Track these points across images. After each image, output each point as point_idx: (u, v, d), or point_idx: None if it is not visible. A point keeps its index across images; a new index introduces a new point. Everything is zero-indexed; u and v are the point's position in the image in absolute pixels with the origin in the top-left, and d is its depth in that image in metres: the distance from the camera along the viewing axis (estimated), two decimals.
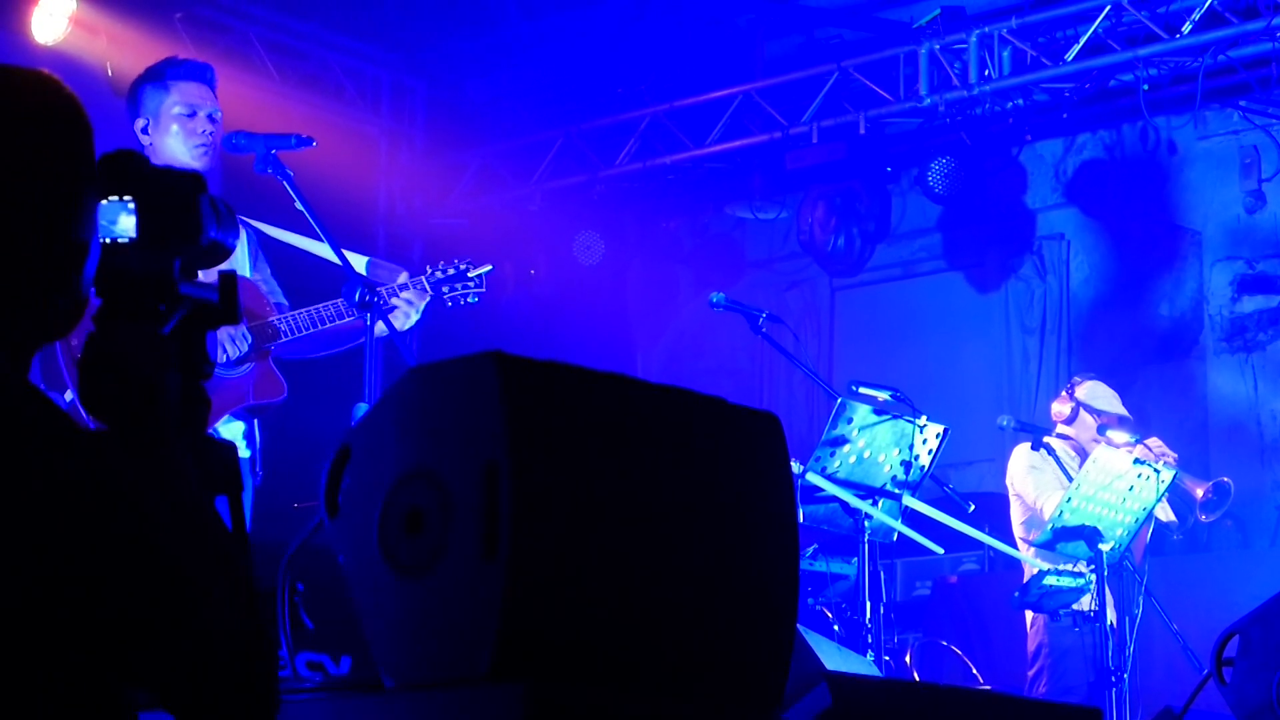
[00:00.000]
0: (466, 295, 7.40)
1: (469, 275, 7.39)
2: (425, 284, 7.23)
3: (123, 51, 9.75)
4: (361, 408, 6.61)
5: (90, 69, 9.75)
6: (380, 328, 6.94)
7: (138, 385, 2.59)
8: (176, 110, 6.75)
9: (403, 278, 7.19)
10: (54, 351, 6.12)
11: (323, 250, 7.14)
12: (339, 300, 6.96)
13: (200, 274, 2.75)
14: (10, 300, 2.54)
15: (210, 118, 6.81)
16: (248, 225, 6.98)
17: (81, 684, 2.39)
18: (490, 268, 7.55)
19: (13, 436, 2.39)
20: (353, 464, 3.52)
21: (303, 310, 7.01)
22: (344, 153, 11.54)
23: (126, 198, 2.64)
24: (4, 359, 2.51)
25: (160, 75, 6.83)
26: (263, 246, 7.09)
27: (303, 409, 7.22)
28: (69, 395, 5.88)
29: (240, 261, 6.86)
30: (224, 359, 6.68)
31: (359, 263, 7.05)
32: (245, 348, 6.77)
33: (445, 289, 7.31)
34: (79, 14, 9.99)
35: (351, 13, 12.05)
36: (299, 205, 6.88)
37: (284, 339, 6.93)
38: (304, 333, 6.96)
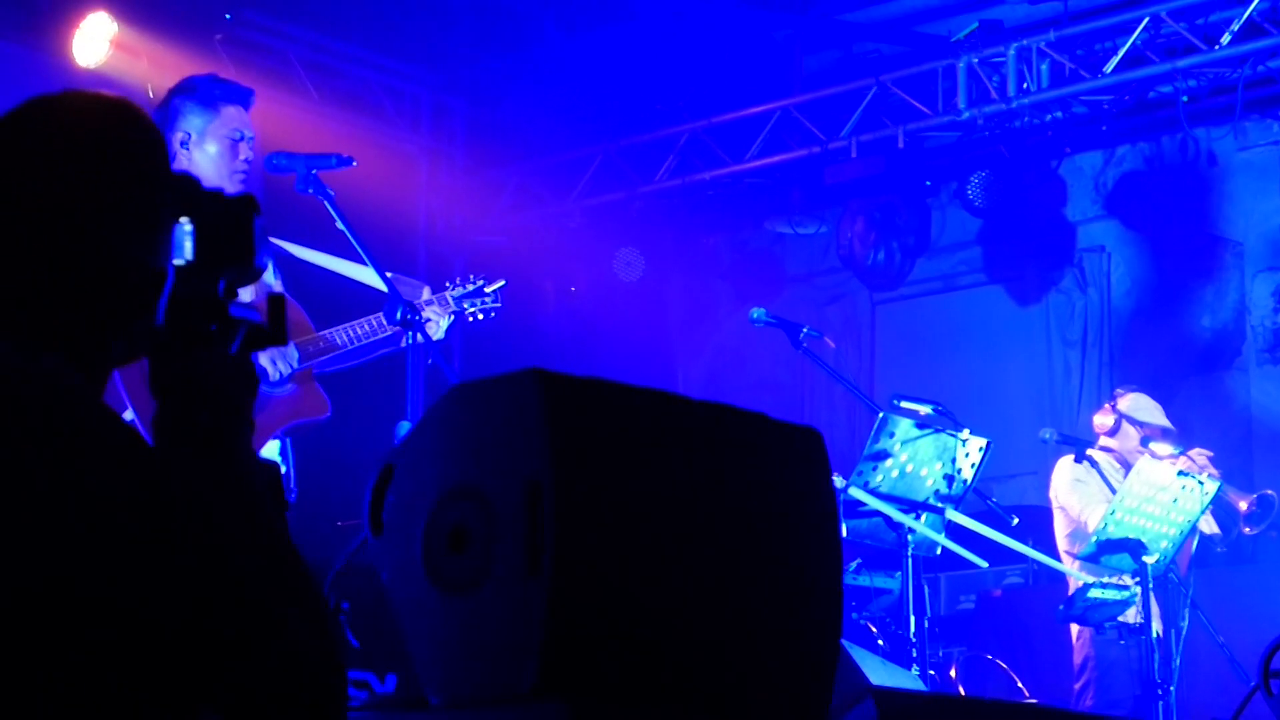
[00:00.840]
0: (486, 311, 7.53)
1: (485, 290, 7.53)
2: (449, 299, 7.35)
3: (163, 73, 9.76)
4: (404, 426, 6.64)
5: (131, 91, 9.80)
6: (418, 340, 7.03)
7: (227, 411, 2.60)
8: (223, 133, 6.76)
9: (425, 294, 7.27)
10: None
11: (348, 269, 7.19)
12: (379, 315, 7.01)
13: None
14: (96, 324, 2.56)
15: (250, 144, 6.84)
16: (270, 243, 7.02)
17: (164, 707, 2.40)
18: (504, 283, 7.67)
19: (100, 458, 2.40)
20: (396, 482, 3.53)
21: (344, 326, 7.05)
22: (384, 172, 11.57)
23: (184, 220, 2.65)
24: (84, 380, 2.53)
25: (208, 95, 6.84)
26: (279, 264, 7.12)
27: (345, 427, 7.24)
28: (129, 414, 5.90)
29: (269, 281, 6.90)
30: (276, 377, 6.72)
31: (375, 279, 7.08)
32: (295, 364, 6.81)
33: (466, 304, 7.45)
34: (120, 37, 10.04)
35: (391, 32, 12.08)
36: (340, 225, 6.91)
37: (329, 354, 6.97)
38: (348, 347, 7.00)
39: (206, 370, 2.60)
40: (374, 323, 7.05)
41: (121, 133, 2.62)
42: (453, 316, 7.38)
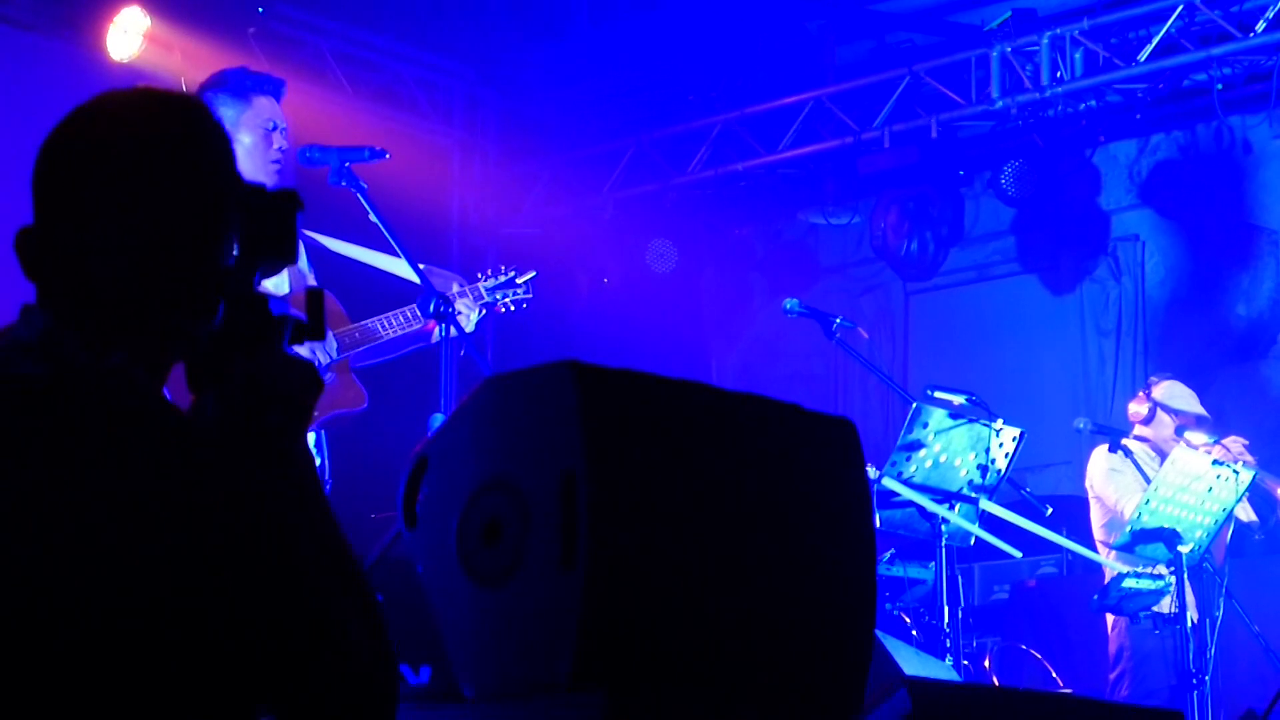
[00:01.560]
0: (518, 301, 7.55)
1: (517, 281, 7.55)
2: (481, 290, 7.37)
3: (197, 66, 9.79)
4: (438, 418, 6.66)
5: (165, 85, 9.81)
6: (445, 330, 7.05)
7: (294, 412, 2.61)
8: (256, 124, 6.78)
9: (456, 286, 7.28)
10: None
11: (380, 260, 7.21)
12: (412, 306, 7.04)
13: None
14: (162, 322, 2.56)
15: (284, 134, 6.86)
16: (303, 236, 7.03)
17: (224, 704, 2.41)
18: (534, 274, 7.68)
19: (165, 458, 2.41)
20: (430, 474, 3.53)
21: (380, 317, 7.07)
22: (417, 164, 11.58)
23: None
24: (147, 378, 2.54)
25: (239, 87, 6.86)
26: (312, 257, 7.14)
27: (379, 419, 7.26)
28: None
29: (305, 272, 6.92)
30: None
31: (408, 271, 7.10)
32: (334, 355, 6.83)
33: (498, 295, 7.47)
34: (153, 30, 10.06)
35: (423, 25, 12.09)
36: (373, 217, 6.92)
37: (367, 345, 7.00)
38: (384, 337, 7.03)
39: (273, 371, 2.60)
40: (408, 314, 7.08)
41: (193, 131, 2.62)
42: (484, 309, 7.40)
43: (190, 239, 2.57)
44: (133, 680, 2.34)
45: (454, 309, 7.00)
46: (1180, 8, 10.84)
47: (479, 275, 7.55)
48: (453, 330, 6.98)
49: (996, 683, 9.61)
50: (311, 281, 7.01)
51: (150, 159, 2.56)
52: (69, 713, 2.32)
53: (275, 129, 6.79)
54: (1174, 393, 10.03)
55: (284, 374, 2.61)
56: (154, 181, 2.55)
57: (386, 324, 7.08)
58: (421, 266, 7.08)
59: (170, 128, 2.60)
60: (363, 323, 7.06)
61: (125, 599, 2.34)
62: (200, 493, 2.41)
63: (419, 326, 7.10)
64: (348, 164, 6.97)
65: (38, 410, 2.42)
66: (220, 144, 2.63)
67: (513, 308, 7.60)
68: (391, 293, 7.26)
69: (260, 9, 10.98)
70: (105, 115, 2.61)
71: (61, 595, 2.33)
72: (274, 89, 6.93)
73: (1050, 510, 9.35)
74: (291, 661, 2.42)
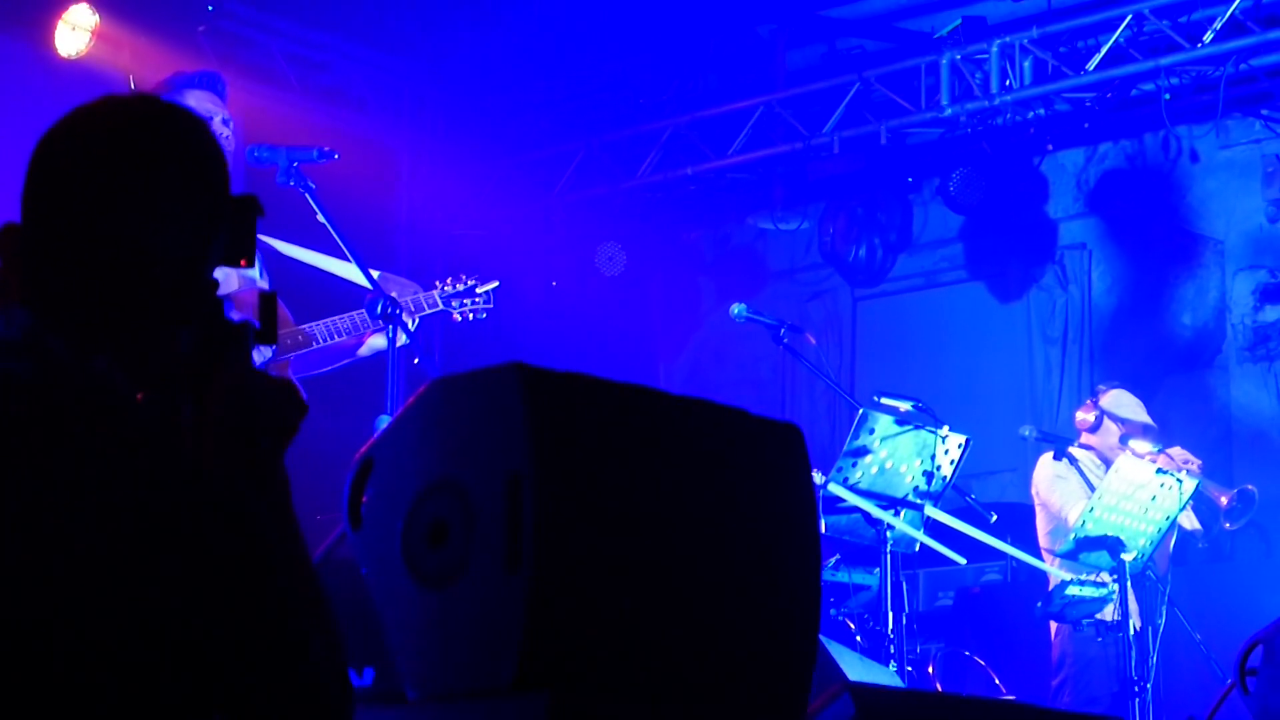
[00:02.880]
0: (476, 311, 7.53)
1: (477, 291, 7.53)
2: (437, 298, 7.35)
3: (145, 64, 9.76)
4: (384, 419, 6.64)
5: (113, 82, 9.77)
6: (381, 341, 7.03)
7: (281, 435, 2.65)
8: None
9: (409, 295, 7.26)
10: None
11: (332, 265, 7.19)
12: (360, 311, 7.02)
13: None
14: (148, 328, 2.55)
15: (224, 122, 6.83)
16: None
17: (179, 710, 2.40)
18: (498, 284, 7.66)
19: (141, 467, 2.41)
20: (375, 476, 3.52)
21: (324, 321, 7.05)
22: (365, 165, 11.55)
23: None
24: (130, 384, 2.52)
25: (170, 86, 6.86)
26: (264, 260, 7.11)
27: (324, 420, 7.22)
28: None
29: (255, 276, 6.89)
30: None
31: (357, 274, 7.07)
32: (269, 355, 6.80)
33: (455, 303, 7.44)
34: (102, 27, 10.01)
35: (373, 25, 12.07)
36: (321, 218, 6.90)
37: (311, 347, 6.97)
38: (327, 343, 7.01)
39: (260, 391, 2.63)
40: (356, 319, 7.06)
41: (188, 141, 2.62)
42: (436, 311, 7.36)
43: (178, 246, 2.57)
44: (93, 683, 2.33)
45: (400, 312, 6.98)
46: (1129, 18, 10.89)
47: (436, 283, 7.52)
48: (401, 335, 6.96)
49: (940, 689, 9.63)
50: (264, 285, 6.99)
51: (145, 164, 2.56)
52: (26, 714, 2.31)
53: (210, 119, 6.76)
54: (1121, 401, 10.08)
55: (269, 394, 2.62)
56: (146, 187, 2.54)
57: (330, 329, 7.06)
58: (376, 275, 7.06)
59: (166, 136, 2.60)
60: (303, 326, 7.03)
61: (95, 603, 2.33)
62: (178, 503, 2.40)
63: (365, 331, 7.08)
64: (296, 164, 6.94)
65: (20, 407, 2.41)
66: (214, 158, 2.63)
67: (471, 316, 7.56)
68: (339, 296, 7.24)
69: (210, 7, 10.94)
70: (102, 119, 2.61)
71: (31, 596, 2.32)
72: (208, 82, 6.90)
73: (995, 517, 9.39)
74: (252, 673, 2.42)
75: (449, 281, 7.53)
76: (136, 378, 2.55)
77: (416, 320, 7.26)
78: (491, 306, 7.61)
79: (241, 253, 2.66)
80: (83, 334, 2.49)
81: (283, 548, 2.51)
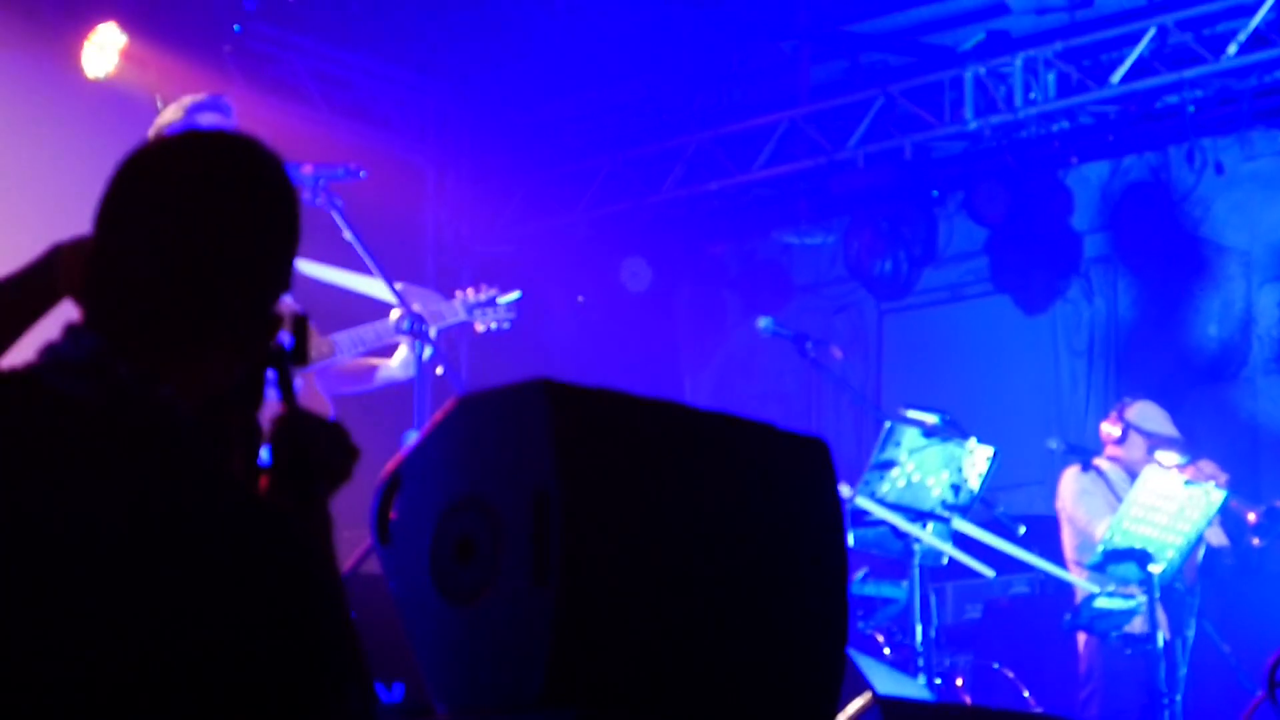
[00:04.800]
0: (499, 321, 7.54)
1: (498, 301, 7.55)
2: (458, 308, 7.36)
3: (172, 84, 9.78)
4: (411, 435, 6.65)
5: (140, 102, 9.80)
6: (406, 359, 7.06)
7: (335, 480, 2.70)
8: None
9: (427, 308, 7.27)
10: None
11: (356, 282, 7.20)
12: (380, 323, 7.05)
13: None
14: (210, 357, 2.56)
15: None
16: None
17: None
18: (519, 294, 7.67)
19: (210, 498, 2.43)
20: (403, 492, 3.54)
21: (345, 332, 7.08)
22: (392, 182, 11.56)
23: None
24: (192, 413, 2.54)
25: (181, 109, 6.88)
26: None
27: (352, 436, 7.24)
28: None
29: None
30: None
31: (384, 291, 7.08)
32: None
33: (477, 313, 7.46)
34: (129, 48, 10.04)
35: (399, 43, 12.09)
36: (348, 235, 6.92)
37: (337, 356, 7.00)
38: (352, 355, 7.03)
39: (317, 436, 2.67)
40: (380, 329, 7.09)
41: (265, 176, 2.63)
42: (458, 322, 7.38)
43: (251, 280, 2.58)
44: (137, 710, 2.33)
45: (426, 327, 7.00)
46: (1152, 30, 10.88)
47: (457, 293, 7.55)
48: (427, 350, 6.98)
49: (969, 702, 9.61)
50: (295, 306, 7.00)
51: (226, 198, 2.57)
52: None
53: None
54: (1147, 414, 10.05)
55: (323, 437, 2.66)
56: (226, 220, 2.56)
57: (354, 340, 7.08)
58: (399, 286, 7.08)
59: (247, 170, 2.61)
60: (328, 337, 7.06)
61: (139, 637, 2.33)
62: (239, 535, 2.41)
63: (390, 339, 7.10)
64: (323, 181, 6.96)
65: (90, 434, 2.41)
66: (290, 194, 2.64)
67: (494, 326, 7.58)
68: (366, 315, 7.25)
69: (236, 27, 10.98)
70: (186, 150, 2.63)
71: (85, 620, 2.32)
72: (212, 105, 6.91)
73: (1023, 529, 9.36)
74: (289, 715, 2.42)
75: (470, 292, 7.55)
76: (196, 407, 2.56)
77: (435, 330, 7.27)
78: (514, 316, 7.63)
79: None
80: (149, 361, 2.49)
81: (329, 591, 2.50)
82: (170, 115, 6.87)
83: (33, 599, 2.32)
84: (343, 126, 12.00)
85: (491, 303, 7.55)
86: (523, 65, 12.49)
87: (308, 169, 6.99)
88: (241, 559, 2.38)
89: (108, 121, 9.46)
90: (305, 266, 7.26)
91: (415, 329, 6.95)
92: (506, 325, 7.63)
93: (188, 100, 6.91)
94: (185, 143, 2.66)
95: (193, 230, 2.53)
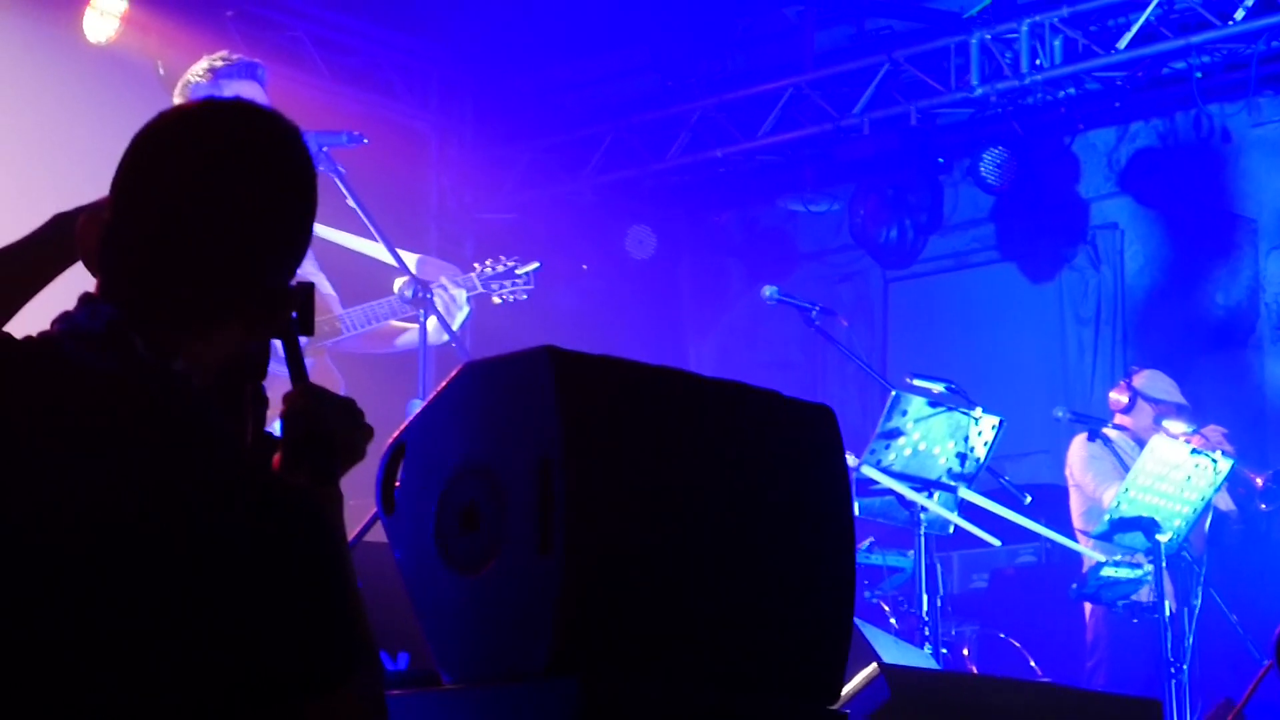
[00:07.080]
0: (515, 293, 7.48)
1: (517, 273, 7.48)
2: (475, 281, 7.30)
3: (174, 50, 9.74)
4: (415, 403, 6.63)
5: (141, 68, 9.77)
6: (434, 326, 6.98)
7: (350, 458, 2.69)
8: None
9: (444, 278, 7.22)
10: None
11: (373, 249, 7.16)
12: (392, 298, 7.00)
13: None
14: (224, 330, 2.56)
15: None
16: None
17: None
18: (538, 265, 7.61)
19: (221, 472, 2.44)
20: (407, 460, 3.52)
21: (358, 307, 7.05)
22: (395, 149, 11.54)
23: None
24: (204, 387, 2.53)
25: (210, 73, 6.81)
26: (313, 246, 7.07)
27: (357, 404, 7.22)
28: None
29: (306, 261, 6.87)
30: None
31: (410, 260, 7.06)
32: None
33: (495, 285, 7.40)
34: (130, 13, 10.01)
35: (401, 8, 12.06)
36: (351, 202, 6.88)
37: (343, 335, 6.96)
38: (360, 330, 7.00)
39: (332, 413, 2.66)
40: (388, 305, 7.05)
41: (283, 148, 2.63)
42: (468, 309, 7.32)
43: (269, 254, 2.58)
44: (154, 701, 2.34)
45: (432, 294, 6.96)
46: None
47: (475, 265, 7.48)
48: (435, 324, 6.94)
49: (975, 670, 9.61)
50: (311, 268, 6.97)
51: (245, 170, 2.57)
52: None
53: None
54: (1154, 382, 10.04)
55: (339, 414, 2.66)
56: (245, 194, 2.55)
57: (365, 315, 7.05)
58: (418, 259, 7.05)
59: (265, 144, 2.61)
60: (340, 313, 7.02)
61: (151, 605, 2.34)
62: (250, 506, 2.41)
63: (405, 314, 7.06)
64: (326, 148, 6.92)
65: (112, 407, 2.42)
66: (308, 167, 2.64)
67: (510, 299, 7.52)
68: (378, 279, 7.21)
69: None
70: (203, 122, 2.62)
71: (95, 590, 2.34)
72: (249, 71, 6.86)
73: (1029, 499, 9.35)
74: (312, 700, 2.42)
75: (488, 264, 7.48)
76: (209, 380, 2.55)
77: (464, 313, 7.21)
78: (531, 287, 7.57)
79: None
80: (164, 333, 2.49)
81: (344, 567, 2.52)
82: (197, 75, 6.81)
83: (55, 569, 2.34)
84: (345, 93, 11.97)
85: (510, 274, 7.48)
86: (527, 31, 12.46)
87: (309, 135, 6.95)
88: (260, 535, 2.39)
89: (109, 87, 9.44)
90: (323, 231, 7.22)
91: (419, 295, 6.91)
92: (524, 296, 7.58)
93: (218, 61, 6.85)
94: (204, 114, 2.65)
95: (210, 205, 2.52)
